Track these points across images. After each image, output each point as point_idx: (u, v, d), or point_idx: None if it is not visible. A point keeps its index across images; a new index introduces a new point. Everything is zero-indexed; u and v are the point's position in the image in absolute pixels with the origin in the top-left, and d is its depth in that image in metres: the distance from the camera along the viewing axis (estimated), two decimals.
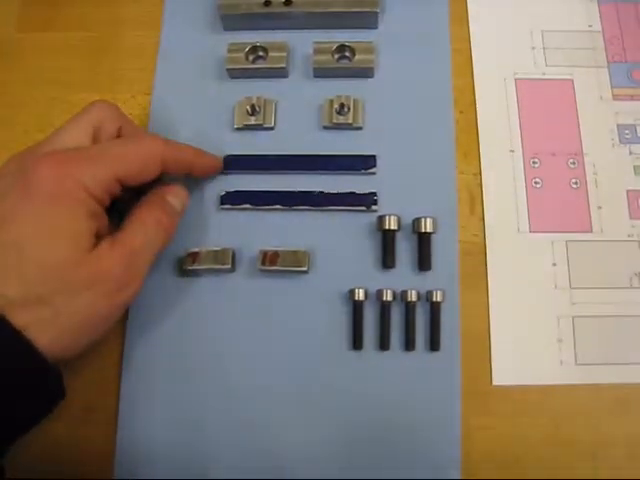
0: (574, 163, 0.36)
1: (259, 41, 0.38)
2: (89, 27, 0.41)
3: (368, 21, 0.38)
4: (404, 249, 0.35)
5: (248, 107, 0.37)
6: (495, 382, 0.33)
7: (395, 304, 0.34)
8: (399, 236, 0.35)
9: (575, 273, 0.35)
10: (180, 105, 0.38)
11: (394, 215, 0.34)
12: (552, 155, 0.37)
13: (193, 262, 0.34)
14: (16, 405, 0.27)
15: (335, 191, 0.35)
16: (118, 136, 0.32)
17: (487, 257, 0.35)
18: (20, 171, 0.28)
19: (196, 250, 0.34)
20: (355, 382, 0.33)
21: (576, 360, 0.33)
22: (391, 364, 0.33)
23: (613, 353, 0.33)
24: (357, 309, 0.33)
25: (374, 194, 0.35)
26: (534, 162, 0.36)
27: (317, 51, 0.37)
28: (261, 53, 0.38)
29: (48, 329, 0.26)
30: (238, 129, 0.37)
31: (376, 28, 0.39)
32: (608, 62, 0.38)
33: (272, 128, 0.37)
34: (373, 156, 0.36)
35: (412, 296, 0.33)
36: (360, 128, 0.37)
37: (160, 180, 0.32)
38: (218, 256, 0.34)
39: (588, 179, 0.36)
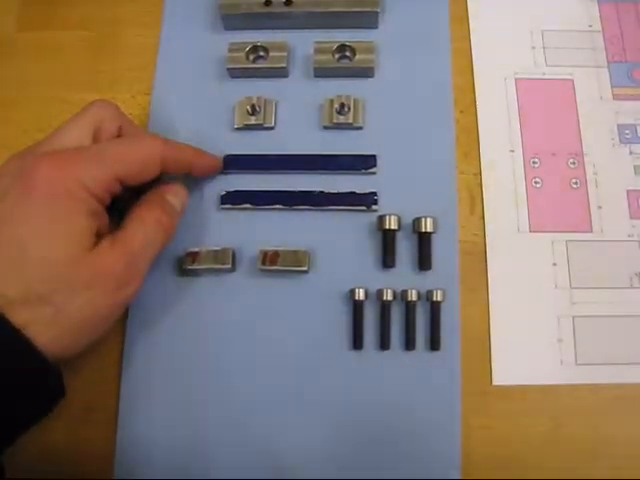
0: (574, 163, 0.36)
1: (259, 41, 0.38)
2: (89, 27, 0.41)
3: (368, 21, 0.38)
4: (404, 249, 0.35)
5: (248, 107, 0.37)
6: (495, 382, 0.33)
7: (395, 304, 0.34)
8: (399, 236, 0.35)
9: (575, 273, 0.35)
10: (180, 105, 0.38)
11: (394, 215, 0.34)
12: (552, 155, 0.37)
13: (193, 262, 0.34)
14: (16, 404, 0.27)
15: (335, 191, 0.35)
16: (118, 136, 0.32)
17: (487, 257, 0.35)
18: (20, 171, 0.27)
19: (196, 250, 0.34)
20: (355, 382, 0.33)
21: (576, 360, 0.33)
22: (391, 364, 0.33)
23: (613, 353, 0.33)
24: (357, 309, 0.33)
25: (374, 194, 0.35)
26: (534, 162, 0.36)
27: (317, 51, 0.37)
28: (261, 53, 0.38)
29: (48, 328, 0.26)
30: (238, 129, 0.37)
31: (376, 28, 0.39)
32: (608, 62, 0.38)
33: (272, 128, 0.37)
34: (373, 156, 0.36)
35: (412, 296, 0.33)
36: (360, 128, 0.37)
37: (160, 180, 0.32)
38: (218, 256, 0.34)
39: (588, 179, 0.36)
